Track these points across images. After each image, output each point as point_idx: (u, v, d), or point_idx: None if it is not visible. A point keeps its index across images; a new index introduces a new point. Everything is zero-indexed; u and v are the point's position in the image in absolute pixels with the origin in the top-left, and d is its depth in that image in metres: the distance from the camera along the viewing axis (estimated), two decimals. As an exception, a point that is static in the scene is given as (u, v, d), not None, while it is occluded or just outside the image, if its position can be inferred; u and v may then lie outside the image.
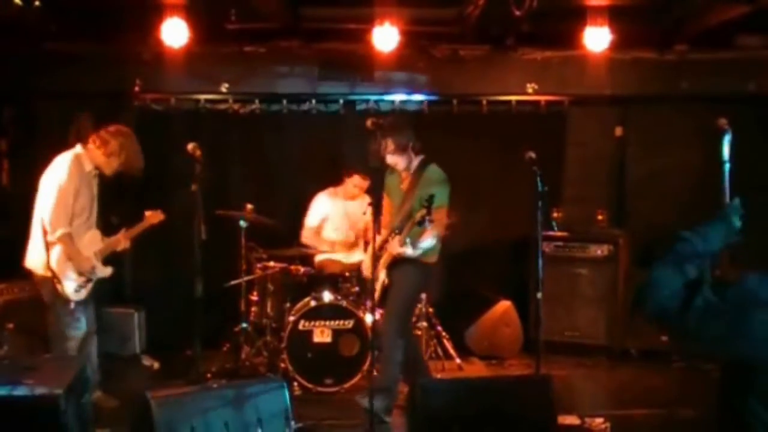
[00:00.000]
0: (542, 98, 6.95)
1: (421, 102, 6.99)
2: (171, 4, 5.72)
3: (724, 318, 2.03)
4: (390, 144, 4.77)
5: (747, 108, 6.29)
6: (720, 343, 2.09)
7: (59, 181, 4.55)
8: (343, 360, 5.54)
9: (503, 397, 3.83)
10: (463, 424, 3.63)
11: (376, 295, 4.98)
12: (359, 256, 6.05)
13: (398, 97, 7.00)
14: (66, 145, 4.97)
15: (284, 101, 6.94)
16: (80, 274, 4.68)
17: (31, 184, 4.66)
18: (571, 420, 4.81)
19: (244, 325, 5.94)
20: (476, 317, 6.59)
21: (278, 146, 6.96)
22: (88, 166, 4.73)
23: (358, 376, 5.48)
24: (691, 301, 2.05)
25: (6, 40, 5.93)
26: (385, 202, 4.99)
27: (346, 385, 5.50)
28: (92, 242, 4.85)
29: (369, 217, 4.57)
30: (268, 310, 5.95)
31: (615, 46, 6.14)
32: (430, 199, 4.42)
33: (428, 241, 4.73)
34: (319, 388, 5.49)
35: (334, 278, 5.87)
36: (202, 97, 6.89)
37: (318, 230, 6.31)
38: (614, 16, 5.88)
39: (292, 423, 3.82)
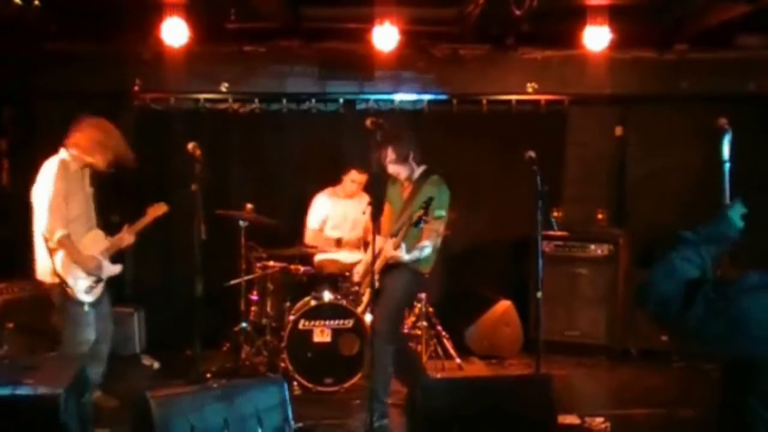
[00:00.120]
0: (542, 98, 6.95)
1: (421, 102, 6.99)
2: (171, 4, 5.72)
3: (724, 317, 2.03)
4: (391, 153, 4.75)
5: (747, 108, 6.29)
6: (720, 342, 2.09)
7: (47, 189, 4.55)
8: (343, 359, 5.54)
9: (503, 397, 3.82)
10: (463, 424, 3.62)
11: (365, 299, 4.98)
12: (360, 256, 6.05)
13: (398, 97, 7.00)
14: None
15: (284, 101, 6.94)
16: (88, 273, 4.68)
17: (31, 184, 4.65)
18: (571, 420, 4.81)
19: (244, 324, 5.94)
20: (476, 317, 6.59)
21: (278, 146, 6.96)
22: (74, 167, 4.72)
23: (358, 376, 5.48)
24: (691, 300, 2.04)
25: (6, 40, 5.93)
26: (386, 211, 4.96)
27: (346, 385, 5.50)
28: (96, 242, 4.85)
29: (368, 216, 4.56)
30: (268, 309, 5.95)
31: (615, 45, 6.13)
32: (429, 201, 4.41)
33: (422, 249, 4.68)
34: (319, 388, 5.49)
35: (334, 278, 5.87)
36: (202, 96, 6.89)
37: (321, 230, 6.32)
38: (614, 16, 5.88)
39: (292, 423, 3.82)
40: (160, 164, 6.74)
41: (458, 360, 6.24)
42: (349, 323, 5.56)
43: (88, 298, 4.68)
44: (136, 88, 6.67)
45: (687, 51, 6.70)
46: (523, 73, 6.93)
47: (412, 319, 6.23)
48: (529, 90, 6.94)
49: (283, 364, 5.61)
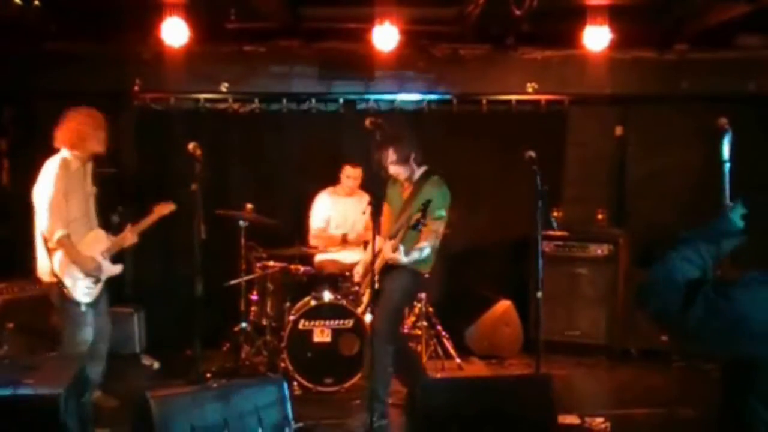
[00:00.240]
0: (542, 98, 6.95)
1: (421, 102, 6.99)
2: (171, 4, 5.72)
3: (724, 317, 2.03)
4: (392, 154, 4.75)
5: (747, 108, 6.29)
6: (720, 342, 2.09)
7: (47, 188, 4.55)
8: (343, 359, 5.54)
9: (503, 396, 3.82)
10: (463, 423, 3.63)
11: (365, 299, 4.98)
12: (360, 256, 6.05)
13: (398, 97, 7.00)
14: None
15: (284, 101, 6.94)
16: (87, 274, 4.67)
17: (31, 184, 4.65)
18: (571, 420, 4.81)
19: (244, 324, 5.94)
20: (476, 317, 6.59)
21: (278, 146, 6.96)
22: (76, 165, 4.72)
23: (358, 376, 5.48)
24: (691, 300, 2.04)
25: (6, 40, 5.93)
26: (385, 211, 4.95)
27: (346, 385, 5.50)
28: (97, 242, 4.84)
29: (368, 216, 4.57)
30: (268, 309, 5.95)
31: (615, 45, 6.13)
32: (427, 203, 4.41)
33: (421, 251, 4.66)
34: (319, 388, 5.49)
35: (334, 278, 5.88)
36: (202, 96, 6.89)
37: (325, 229, 6.35)
38: (614, 16, 5.88)
39: (292, 423, 3.82)
40: (160, 164, 6.75)
41: (458, 360, 6.24)
42: (349, 323, 5.56)
43: (85, 299, 4.67)
44: (136, 88, 6.67)
45: (687, 51, 6.71)
46: (523, 73, 6.93)
47: (412, 319, 6.23)
48: (529, 90, 6.94)
49: (283, 364, 5.61)
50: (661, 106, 7.01)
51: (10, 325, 5.34)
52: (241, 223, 5.86)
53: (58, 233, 4.51)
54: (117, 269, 4.97)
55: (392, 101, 7.01)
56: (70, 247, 4.57)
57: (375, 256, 4.55)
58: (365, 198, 5.74)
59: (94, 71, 6.55)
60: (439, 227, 4.73)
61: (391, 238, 4.69)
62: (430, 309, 6.27)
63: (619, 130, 7.21)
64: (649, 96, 7.02)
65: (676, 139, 6.88)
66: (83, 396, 3.81)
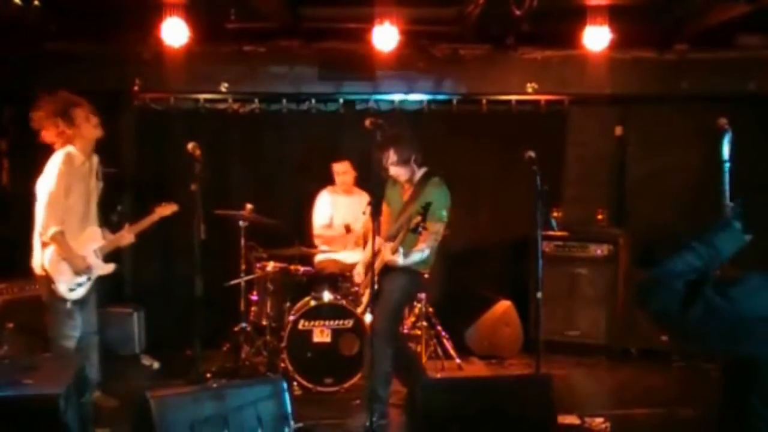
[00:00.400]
0: (542, 98, 6.95)
1: (421, 102, 6.99)
2: (171, 4, 5.72)
3: (724, 317, 2.03)
4: (392, 155, 4.75)
5: (747, 108, 6.29)
6: (721, 341, 2.09)
7: (49, 182, 4.55)
8: (343, 360, 5.54)
9: (503, 396, 3.83)
10: (463, 423, 3.63)
11: (364, 300, 4.98)
12: (360, 256, 6.05)
13: (398, 97, 7.00)
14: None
15: (284, 101, 6.94)
16: (77, 273, 4.67)
17: (31, 184, 4.65)
18: (571, 420, 4.81)
19: (244, 324, 5.94)
20: (476, 317, 6.59)
21: (278, 146, 6.96)
22: (80, 159, 4.72)
23: (358, 376, 5.48)
24: (691, 300, 2.04)
25: (6, 40, 5.93)
26: (385, 212, 4.94)
27: (346, 385, 5.50)
28: (92, 239, 4.83)
29: (368, 216, 4.57)
30: (268, 309, 5.94)
31: (615, 45, 6.13)
32: (427, 206, 4.41)
33: (420, 253, 4.67)
34: (319, 388, 5.49)
35: (334, 278, 5.88)
36: (202, 96, 6.89)
37: (329, 226, 6.37)
38: (614, 16, 5.88)
39: (292, 423, 3.82)
40: (160, 164, 6.75)
41: (458, 360, 6.23)
42: (349, 323, 5.56)
43: (72, 296, 4.67)
44: (136, 88, 6.66)
45: (687, 51, 6.70)
46: (523, 73, 6.93)
47: (412, 319, 6.22)
48: (529, 90, 6.93)
49: (283, 364, 5.61)
50: (661, 106, 7.01)
51: (10, 325, 5.34)
52: (241, 223, 5.87)
53: (52, 229, 4.51)
54: (109, 268, 4.95)
55: (392, 101, 7.01)
56: (63, 244, 4.57)
57: (375, 256, 4.55)
58: (365, 197, 5.74)
59: (94, 71, 6.55)
60: (439, 229, 4.73)
61: (390, 239, 4.69)
62: (430, 309, 6.27)
63: (619, 130, 7.22)
64: (649, 96, 7.01)
65: (676, 139, 6.87)
66: (83, 396, 3.81)
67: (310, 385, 5.48)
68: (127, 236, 5.01)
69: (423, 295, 6.05)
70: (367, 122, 4.39)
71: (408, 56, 6.67)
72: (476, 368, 6.31)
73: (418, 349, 6.10)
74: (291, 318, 5.60)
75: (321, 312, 5.59)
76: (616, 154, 7.23)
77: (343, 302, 5.60)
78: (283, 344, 5.55)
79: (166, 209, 5.15)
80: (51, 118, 4.68)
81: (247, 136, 6.98)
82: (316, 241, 6.40)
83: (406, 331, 6.09)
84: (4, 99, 6.74)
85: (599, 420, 4.85)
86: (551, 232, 6.32)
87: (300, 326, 5.54)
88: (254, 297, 6.04)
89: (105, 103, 6.35)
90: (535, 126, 6.84)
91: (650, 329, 5.71)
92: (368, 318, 4.83)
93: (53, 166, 4.59)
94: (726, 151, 2.61)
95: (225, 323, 6.09)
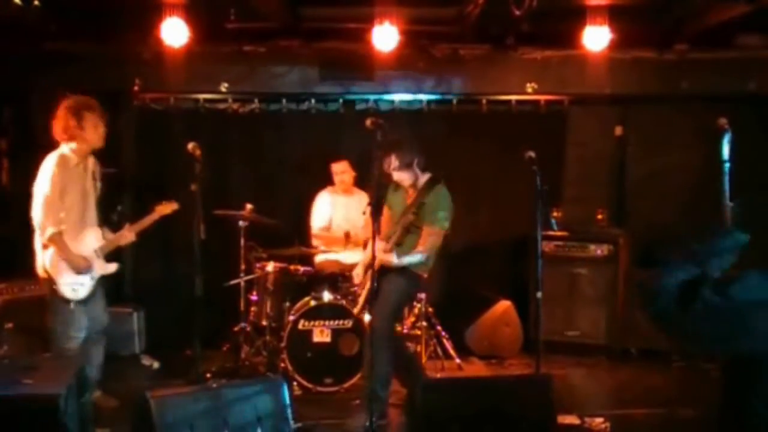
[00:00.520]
0: (542, 98, 6.95)
1: (421, 102, 6.99)
2: (171, 4, 5.72)
3: (725, 316, 2.03)
4: (395, 160, 4.75)
5: (747, 108, 6.29)
6: (721, 341, 2.09)
7: (43, 184, 4.55)
8: (343, 360, 5.53)
9: (503, 396, 3.83)
10: (463, 423, 3.63)
11: (361, 300, 4.98)
12: (360, 256, 6.05)
13: (398, 97, 7.00)
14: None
15: (284, 101, 6.94)
16: (77, 272, 4.67)
17: (31, 184, 4.65)
18: (571, 420, 4.81)
19: (244, 324, 5.94)
20: (476, 317, 6.59)
21: (278, 146, 6.97)
22: (75, 161, 4.72)
23: (358, 376, 5.48)
24: (691, 301, 2.04)
25: (6, 40, 5.93)
26: (385, 214, 4.94)
27: (346, 385, 5.50)
28: (92, 239, 4.84)
29: (368, 216, 4.57)
30: (268, 309, 5.94)
31: (615, 45, 6.13)
32: (420, 206, 4.41)
33: (416, 256, 4.69)
34: (319, 388, 5.49)
35: (334, 278, 5.88)
36: (202, 96, 6.89)
37: (328, 228, 6.36)
38: (614, 16, 5.88)
39: (292, 423, 3.82)
40: (160, 164, 6.75)
41: (458, 360, 6.23)
42: (349, 323, 5.56)
43: (74, 296, 4.67)
44: (136, 88, 6.66)
45: (687, 51, 6.70)
46: (523, 73, 6.93)
47: (412, 319, 6.22)
48: (529, 90, 6.93)
49: (282, 364, 5.61)
50: (661, 106, 7.01)
51: (10, 325, 5.34)
52: (241, 223, 5.87)
53: (50, 231, 4.51)
54: (112, 268, 4.96)
55: (392, 101, 7.01)
56: (61, 245, 4.57)
57: (374, 256, 4.55)
58: (365, 197, 5.74)
59: (94, 71, 6.54)
60: (439, 236, 4.72)
61: (386, 240, 4.69)
62: (430, 309, 6.26)
63: (619, 130, 7.21)
64: (649, 96, 7.01)
65: (676, 139, 6.88)
66: (83, 396, 3.81)
67: (309, 385, 5.48)
68: (127, 235, 5.01)
69: (423, 295, 6.05)
70: (368, 122, 4.39)
71: (408, 56, 6.67)
72: (476, 368, 6.31)
73: (418, 349, 6.10)
74: (291, 318, 5.60)
75: (321, 312, 5.59)
76: (616, 154, 7.23)
77: (343, 302, 5.60)
78: (283, 344, 5.55)
79: (167, 208, 5.15)
80: (63, 111, 4.70)
81: (247, 136, 6.98)
82: (314, 242, 6.40)
83: (405, 331, 6.10)
84: (4, 99, 6.74)
85: (599, 420, 4.85)
86: (551, 232, 6.31)
87: (300, 326, 5.54)
88: (254, 297, 6.03)
89: (105, 103, 6.37)
90: (535, 126, 6.84)
91: (650, 329, 5.69)
92: (367, 318, 4.83)
93: (47, 169, 4.59)
94: (726, 151, 2.60)
95: (225, 323, 6.09)
